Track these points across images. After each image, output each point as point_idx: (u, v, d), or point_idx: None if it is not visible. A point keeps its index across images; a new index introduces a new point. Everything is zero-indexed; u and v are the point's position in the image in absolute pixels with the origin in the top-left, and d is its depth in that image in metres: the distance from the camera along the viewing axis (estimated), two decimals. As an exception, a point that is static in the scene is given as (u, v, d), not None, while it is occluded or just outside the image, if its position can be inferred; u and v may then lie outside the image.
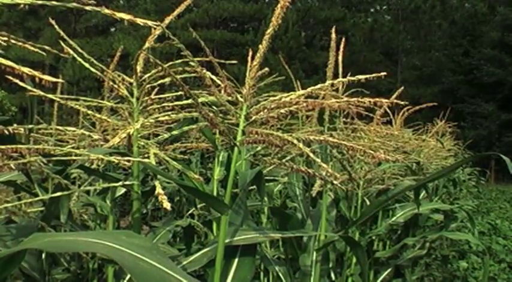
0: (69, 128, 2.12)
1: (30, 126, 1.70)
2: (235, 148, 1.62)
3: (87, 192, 3.34)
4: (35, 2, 1.04)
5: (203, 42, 1.69)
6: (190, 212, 4.31)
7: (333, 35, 2.69)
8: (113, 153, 1.57)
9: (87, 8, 1.05)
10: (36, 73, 0.98)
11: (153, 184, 2.85)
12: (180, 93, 1.87)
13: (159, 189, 1.44)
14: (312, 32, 39.15)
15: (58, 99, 1.87)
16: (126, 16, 1.07)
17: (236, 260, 1.94)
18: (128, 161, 1.48)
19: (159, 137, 2.06)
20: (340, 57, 2.80)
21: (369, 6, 44.33)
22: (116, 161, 1.34)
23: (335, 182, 1.66)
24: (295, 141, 1.48)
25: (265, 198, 3.66)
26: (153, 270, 1.01)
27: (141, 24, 1.04)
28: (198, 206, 3.81)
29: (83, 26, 37.96)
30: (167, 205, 1.35)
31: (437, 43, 38.90)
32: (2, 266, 1.10)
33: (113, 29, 38.37)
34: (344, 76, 2.49)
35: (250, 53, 2.02)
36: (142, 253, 1.03)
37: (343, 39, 2.85)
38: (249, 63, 2.01)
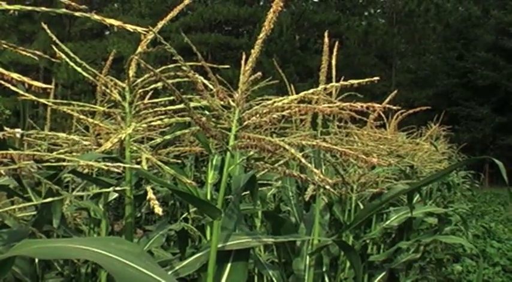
0: (60, 134, 2.11)
1: (22, 131, 1.70)
2: (228, 152, 1.61)
3: (81, 196, 3.34)
4: (24, 8, 1.03)
5: (197, 45, 1.69)
6: (184, 216, 4.31)
7: (326, 39, 2.69)
8: (105, 158, 1.57)
9: (77, 14, 1.04)
10: (25, 78, 0.98)
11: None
12: (170, 97, 1.87)
13: (150, 194, 1.44)
14: (306, 35, 39.19)
15: (50, 104, 1.87)
16: (115, 22, 1.07)
17: (229, 264, 1.94)
18: (118, 166, 1.47)
19: (152, 142, 2.06)
20: (334, 61, 2.80)
21: (363, 9, 44.34)
22: (105, 168, 1.34)
23: (327, 187, 1.65)
24: (286, 147, 1.47)
25: (259, 202, 3.66)
26: (141, 276, 1.01)
27: (131, 30, 1.03)
28: (192, 210, 3.81)
29: (78, 30, 37.89)
30: (159, 210, 1.35)
31: (431, 46, 38.97)
32: (-9, 273, 1.10)
33: (107, 33, 38.32)
34: (338, 79, 2.49)
35: (244, 57, 2.02)
36: (131, 259, 1.03)
37: (337, 43, 2.85)
38: (242, 67, 2.01)
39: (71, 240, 1.11)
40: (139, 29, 1.06)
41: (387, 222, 4.12)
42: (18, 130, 1.80)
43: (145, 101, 1.96)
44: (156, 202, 1.39)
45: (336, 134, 3.20)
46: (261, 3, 38.82)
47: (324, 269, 3.32)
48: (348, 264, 3.69)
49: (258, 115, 1.56)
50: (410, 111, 4.55)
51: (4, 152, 1.24)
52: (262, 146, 1.50)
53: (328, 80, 2.68)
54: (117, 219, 6.46)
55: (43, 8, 1.05)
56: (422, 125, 8.21)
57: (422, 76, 37.08)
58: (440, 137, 9.13)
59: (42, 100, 1.78)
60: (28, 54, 1.26)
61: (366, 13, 44.30)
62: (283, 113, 1.56)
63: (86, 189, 3.42)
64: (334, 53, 2.82)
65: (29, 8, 1.04)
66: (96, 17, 1.08)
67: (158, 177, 2.57)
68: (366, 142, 3.48)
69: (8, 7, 1.03)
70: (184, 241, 3.81)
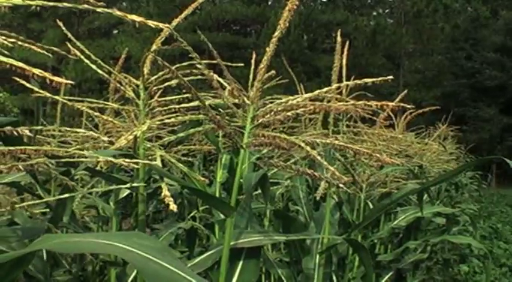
0: (78, 130, 2.13)
1: (39, 127, 1.71)
2: (241, 151, 1.61)
3: (89, 194, 3.34)
4: (46, 3, 1.04)
5: (205, 44, 1.69)
6: (192, 214, 4.31)
7: (338, 38, 2.69)
8: (119, 155, 1.58)
9: (99, 9, 1.05)
10: (46, 74, 0.98)
11: (155, 186, 2.86)
12: (182, 95, 1.87)
13: (165, 191, 1.45)
14: (314, 35, 39.09)
15: (65, 101, 1.88)
16: (137, 18, 1.08)
17: (241, 262, 1.94)
18: (136, 163, 1.48)
19: (164, 139, 2.06)
20: (344, 60, 2.80)
21: (371, 9, 44.25)
22: (124, 163, 1.34)
23: (340, 184, 1.66)
24: (302, 144, 1.47)
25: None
26: (163, 271, 1.02)
27: (153, 26, 1.04)
28: (201, 208, 3.81)
29: (86, 28, 37.92)
30: (174, 207, 1.36)
31: (439, 47, 38.83)
32: (12, 267, 1.10)
33: (115, 31, 38.33)
34: (347, 79, 2.49)
35: (254, 56, 2.03)
36: (153, 254, 1.03)
37: (347, 43, 2.85)
38: (252, 66, 2.01)
39: (92, 235, 1.12)
40: (161, 24, 1.07)
41: (395, 222, 4.12)
42: (26, 127, 1.81)
43: (158, 99, 1.97)
44: (171, 199, 1.39)
45: (345, 133, 3.20)
46: (269, 2, 38.80)
47: (332, 268, 3.33)
48: (356, 263, 3.69)
49: (272, 113, 1.57)
50: (419, 111, 4.54)
51: (22, 147, 1.25)
52: (277, 143, 1.50)
53: (338, 79, 2.68)
54: (125, 217, 6.47)
55: (65, 4, 1.06)
56: (430, 125, 8.19)
57: (430, 76, 37.00)
58: (448, 137, 9.13)
59: (57, 97, 1.79)
60: (41, 52, 1.27)
61: (374, 13, 44.20)
62: (298, 111, 1.56)
63: (95, 187, 3.42)
64: (344, 52, 2.82)
65: (51, 3, 1.04)
66: (118, 12, 1.09)
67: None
68: (376, 141, 3.48)
69: (30, 3, 1.04)
70: (193, 239, 3.82)
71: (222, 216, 2.84)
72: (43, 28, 34.34)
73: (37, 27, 35.11)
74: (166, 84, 1.90)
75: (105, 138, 2.04)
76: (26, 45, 1.22)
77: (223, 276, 1.74)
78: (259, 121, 1.58)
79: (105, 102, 2.06)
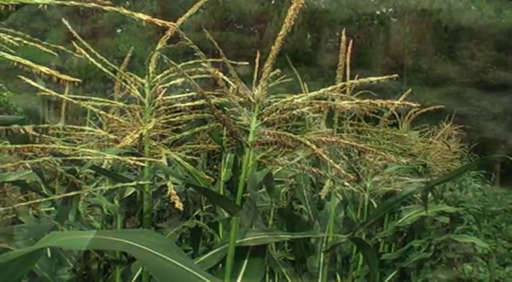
0: (85, 128, 2.13)
1: (45, 125, 1.71)
2: (247, 149, 1.61)
3: (94, 192, 3.35)
4: (53, 2, 1.04)
5: (209, 44, 1.70)
6: (196, 213, 4.31)
7: (343, 37, 2.69)
8: (124, 154, 1.58)
9: (106, 8, 1.06)
10: (53, 72, 0.99)
11: (159, 185, 2.87)
12: (186, 94, 1.88)
13: (171, 190, 1.45)
14: (317, 35, 39.02)
15: (71, 99, 1.88)
16: (144, 16, 1.08)
17: (246, 261, 1.94)
18: (142, 161, 1.48)
19: (169, 138, 2.07)
20: (348, 59, 2.80)
21: (375, 8, 44.15)
22: (132, 162, 1.35)
23: (346, 183, 1.66)
24: (307, 142, 1.48)
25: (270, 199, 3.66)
26: (172, 268, 1.02)
27: (159, 24, 1.05)
28: (205, 207, 3.81)
29: (89, 27, 37.92)
30: (179, 205, 1.36)
31: (443, 46, 38.78)
32: (19, 264, 1.10)
33: (118, 31, 38.32)
34: (350, 78, 2.49)
35: (258, 55, 2.03)
36: (162, 251, 1.04)
37: (351, 41, 2.85)
38: (256, 65, 2.02)
39: (100, 232, 1.12)
40: (167, 23, 1.08)
41: (399, 221, 4.11)
42: (32, 126, 1.81)
43: (163, 97, 1.97)
44: (177, 197, 1.40)
45: (349, 132, 3.20)
46: (273, 1, 38.76)
47: (336, 267, 3.33)
48: (360, 262, 3.69)
49: (278, 111, 1.57)
50: (424, 110, 4.54)
51: (29, 145, 1.25)
52: (282, 142, 1.50)
53: (342, 78, 2.68)
54: (128, 216, 6.46)
55: (72, 2, 1.06)
56: (433, 124, 8.18)
57: (434, 75, 36.94)
58: (452, 136, 9.11)
59: (63, 96, 1.80)
60: (46, 51, 1.28)
61: (378, 12, 44.11)
62: (303, 109, 1.56)
63: (99, 186, 3.42)
64: (349, 51, 2.82)
65: (58, 2, 1.05)
66: (125, 11, 1.09)
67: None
68: (380, 140, 3.48)
69: (38, 1, 1.04)
70: (198, 238, 3.82)
71: (226, 215, 2.85)
72: (47, 27, 34.36)
73: (41, 26, 35.09)
74: (171, 82, 1.91)
75: (112, 136, 2.04)
76: (32, 44, 1.22)
77: (228, 275, 1.74)
78: (265, 119, 1.58)
79: (111, 101, 2.07)
